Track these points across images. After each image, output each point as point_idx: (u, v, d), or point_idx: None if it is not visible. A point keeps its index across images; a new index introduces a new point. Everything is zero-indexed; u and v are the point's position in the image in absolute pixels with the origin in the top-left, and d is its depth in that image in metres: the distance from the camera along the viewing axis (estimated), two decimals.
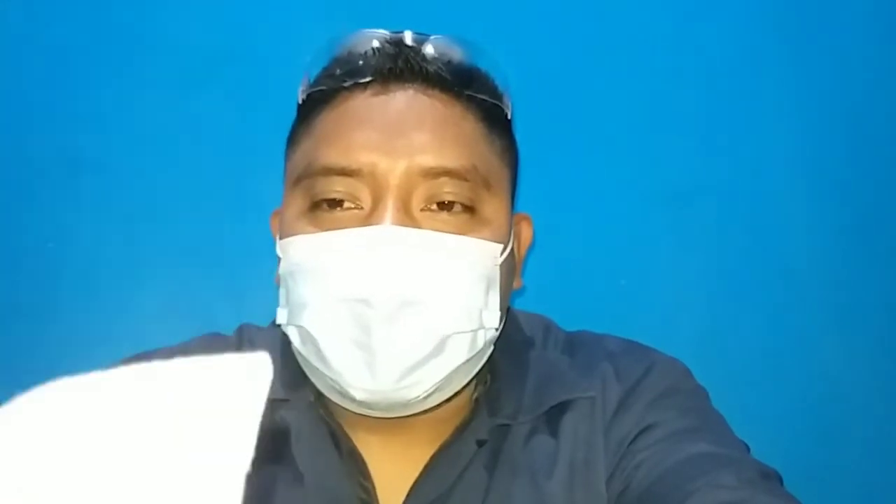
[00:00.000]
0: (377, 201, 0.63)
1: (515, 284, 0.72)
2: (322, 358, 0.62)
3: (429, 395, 0.63)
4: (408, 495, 0.66)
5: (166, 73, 1.03)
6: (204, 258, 1.03)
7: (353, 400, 0.62)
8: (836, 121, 1.06)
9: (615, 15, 1.05)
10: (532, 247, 0.76)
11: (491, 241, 0.65)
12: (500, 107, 0.70)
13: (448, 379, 0.63)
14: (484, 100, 0.68)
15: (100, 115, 1.03)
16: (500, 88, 0.70)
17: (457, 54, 0.68)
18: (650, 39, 1.05)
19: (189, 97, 1.03)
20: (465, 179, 0.64)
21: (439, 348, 0.61)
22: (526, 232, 0.75)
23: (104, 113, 1.03)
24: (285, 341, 0.71)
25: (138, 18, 1.03)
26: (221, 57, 1.03)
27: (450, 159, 0.64)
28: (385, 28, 0.70)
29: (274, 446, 0.68)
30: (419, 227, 0.63)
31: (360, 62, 0.67)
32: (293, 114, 0.72)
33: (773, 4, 1.06)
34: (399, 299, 0.60)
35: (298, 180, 0.66)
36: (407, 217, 0.63)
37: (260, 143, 1.00)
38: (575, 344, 0.75)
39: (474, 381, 0.69)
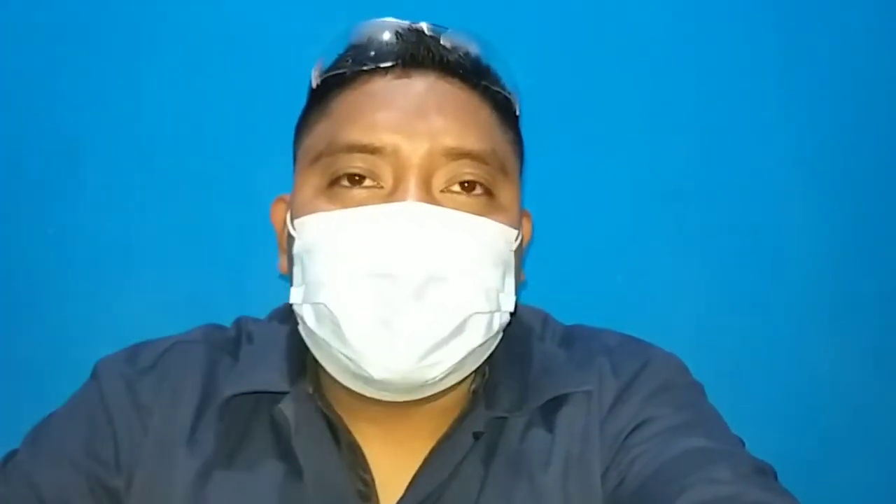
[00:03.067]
0: (399, 180, 0.64)
1: (520, 277, 0.72)
2: (341, 336, 0.62)
3: (444, 378, 0.63)
4: (406, 488, 0.66)
5: (167, 63, 1.03)
6: (203, 249, 1.03)
7: (368, 380, 0.62)
8: (833, 121, 1.07)
9: (614, 14, 1.05)
10: (531, 242, 0.77)
11: (507, 225, 0.66)
12: (510, 101, 0.71)
13: (464, 361, 0.64)
14: (498, 92, 0.70)
15: (100, 102, 1.03)
16: (511, 84, 0.72)
17: (472, 47, 0.70)
18: (649, 38, 1.05)
19: (189, 86, 1.03)
20: (485, 162, 0.65)
21: (460, 328, 0.62)
22: (526, 227, 0.75)
23: (104, 101, 1.03)
24: (287, 333, 0.71)
25: (139, 6, 1.03)
26: (222, 48, 1.03)
27: (471, 142, 0.65)
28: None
29: (274, 439, 0.68)
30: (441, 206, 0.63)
31: (382, 47, 0.68)
32: (293, 104, 0.72)
33: (772, 5, 1.06)
34: (424, 275, 0.60)
35: (317, 158, 0.66)
36: (428, 196, 0.63)
37: (260, 134, 1.00)
38: (572, 337, 0.75)
39: (474, 373, 0.69)
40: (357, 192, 0.64)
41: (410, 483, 0.66)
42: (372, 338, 0.60)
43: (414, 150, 0.63)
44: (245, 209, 1.00)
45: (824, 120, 1.07)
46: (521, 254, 0.71)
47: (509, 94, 0.71)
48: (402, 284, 0.60)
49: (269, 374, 0.69)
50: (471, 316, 0.62)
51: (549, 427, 0.69)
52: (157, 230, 1.03)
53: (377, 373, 0.61)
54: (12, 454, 0.70)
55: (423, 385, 0.63)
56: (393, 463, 0.67)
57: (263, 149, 0.98)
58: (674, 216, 1.05)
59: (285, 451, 0.67)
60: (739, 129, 1.06)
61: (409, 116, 0.64)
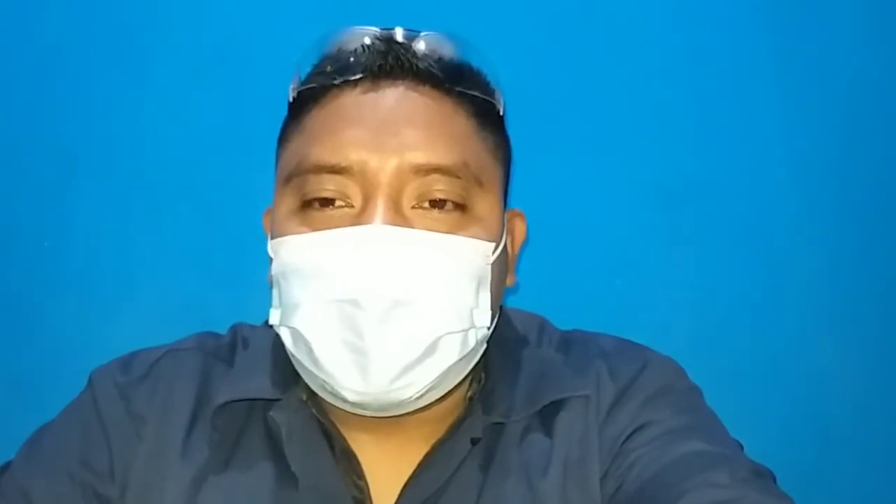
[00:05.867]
0: (367, 200, 0.63)
1: (509, 281, 0.72)
2: (314, 360, 0.62)
3: (421, 396, 0.63)
4: (401, 494, 0.66)
5: (161, 72, 1.03)
6: (200, 257, 1.03)
7: (345, 401, 0.62)
8: (828, 122, 1.07)
9: (608, 14, 1.05)
10: (527, 245, 0.76)
11: (483, 239, 0.65)
12: (491, 103, 0.70)
13: (440, 379, 0.63)
14: (475, 96, 0.68)
15: (95, 113, 1.03)
16: (492, 85, 0.70)
17: (448, 50, 0.68)
18: (644, 39, 1.05)
19: (184, 96, 1.03)
20: (457, 176, 0.64)
21: (431, 349, 0.61)
22: (519, 228, 0.75)
23: (100, 111, 1.03)
24: (278, 341, 0.71)
25: (133, 17, 1.04)
26: (217, 56, 1.03)
27: (441, 156, 0.64)
28: (376, 25, 0.69)
29: (268, 445, 0.68)
30: (410, 226, 0.62)
31: (351, 59, 0.67)
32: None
33: (766, 5, 1.06)
34: (390, 300, 0.60)
35: (289, 178, 0.66)
36: (398, 215, 0.62)
37: (255, 142, 1.00)
38: (569, 342, 0.75)
39: (468, 380, 0.69)
40: (329, 212, 0.64)
41: (403, 489, 0.66)
42: (342, 363, 0.60)
43: (381, 168, 0.62)
44: (242, 219, 1.00)
45: (820, 121, 1.07)
46: (505, 260, 0.70)
47: (490, 95, 0.69)
48: (368, 309, 0.60)
49: (262, 382, 0.69)
50: (442, 336, 0.62)
51: (548, 432, 0.69)
52: (154, 241, 1.03)
53: (350, 396, 0.61)
54: (7, 465, 0.69)
55: (400, 405, 0.63)
56: (388, 469, 0.67)
57: (259, 158, 0.98)
58: (671, 219, 1.05)
59: (280, 458, 0.67)
60: (736, 131, 1.06)
61: (376, 132, 0.63)
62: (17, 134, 1.03)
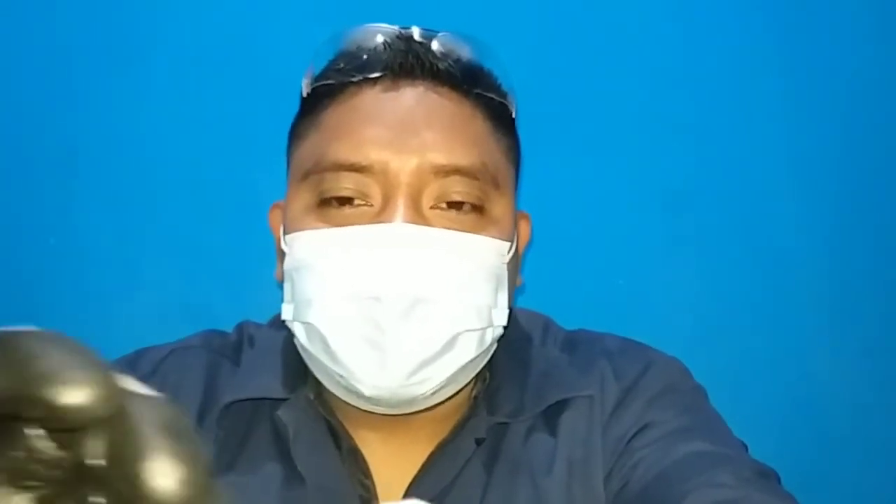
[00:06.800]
0: (388, 199, 0.63)
1: (517, 282, 0.72)
2: (331, 354, 0.62)
3: (436, 392, 0.63)
4: (406, 493, 0.66)
5: (165, 69, 1.03)
6: (204, 255, 1.03)
7: (360, 396, 0.63)
8: (828, 122, 1.07)
9: (611, 16, 1.05)
10: (530, 245, 0.77)
11: (499, 239, 0.66)
12: (505, 105, 0.70)
13: (455, 376, 0.63)
14: (491, 98, 0.68)
15: (98, 110, 1.03)
16: (506, 87, 0.70)
17: (465, 52, 0.68)
18: (644, 40, 1.05)
19: (187, 92, 1.03)
20: (476, 178, 0.64)
21: (449, 345, 0.62)
22: (525, 230, 0.75)
23: (103, 108, 1.03)
24: (286, 339, 0.71)
25: (137, 12, 1.03)
26: (220, 53, 1.03)
27: (461, 157, 0.64)
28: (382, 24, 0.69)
29: (275, 444, 0.68)
30: (430, 226, 0.63)
31: (370, 57, 0.66)
32: (293, 110, 0.72)
33: (768, 7, 1.06)
34: (411, 297, 0.60)
35: (306, 175, 0.65)
36: (417, 215, 0.63)
37: (259, 140, 1.00)
38: (573, 342, 0.75)
39: (474, 379, 0.69)
40: (347, 210, 0.64)
41: (408, 489, 0.66)
42: (360, 357, 0.61)
43: (402, 168, 0.63)
44: (246, 218, 1.00)
45: (821, 122, 1.07)
46: (517, 260, 0.71)
47: (504, 98, 0.70)
48: (388, 306, 0.60)
49: (269, 381, 0.69)
50: (461, 333, 0.62)
51: (552, 431, 0.69)
52: (159, 239, 1.03)
53: (367, 390, 0.61)
54: None
55: (414, 400, 0.63)
56: (394, 468, 0.67)
57: (262, 155, 0.98)
58: (674, 219, 1.05)
59: (286, 457, 0.67)
60: (737, 132, 1.06)
61: (397, 132, 0.63)
62: (21, 131, 1.03)
